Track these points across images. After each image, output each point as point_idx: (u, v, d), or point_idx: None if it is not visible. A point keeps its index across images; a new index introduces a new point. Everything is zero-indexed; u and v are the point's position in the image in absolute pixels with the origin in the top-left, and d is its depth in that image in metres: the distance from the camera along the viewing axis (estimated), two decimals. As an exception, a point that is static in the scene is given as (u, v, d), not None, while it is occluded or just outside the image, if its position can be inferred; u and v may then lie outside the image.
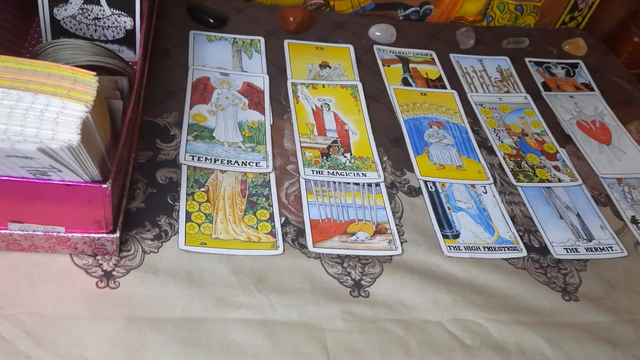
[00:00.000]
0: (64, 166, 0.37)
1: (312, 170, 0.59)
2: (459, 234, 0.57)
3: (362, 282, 0.51)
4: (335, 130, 0.64)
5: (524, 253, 0.57)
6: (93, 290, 0.45)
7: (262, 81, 0.67)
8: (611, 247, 0.59)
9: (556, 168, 0.67)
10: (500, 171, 0.65)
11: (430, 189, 0.61)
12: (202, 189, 0.55)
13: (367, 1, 0.82)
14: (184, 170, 0.56)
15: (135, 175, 0.54)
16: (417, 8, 0.84)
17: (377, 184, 0.59)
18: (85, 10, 0.57)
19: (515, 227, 0.59)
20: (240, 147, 0.59)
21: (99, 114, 0.40)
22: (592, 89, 0.80)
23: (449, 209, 0.59)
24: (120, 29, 0.59)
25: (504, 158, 0.67)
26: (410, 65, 0.76)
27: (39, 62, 0.38)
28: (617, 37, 0.89)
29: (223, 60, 0.69)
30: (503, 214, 0.60)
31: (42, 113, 0.36)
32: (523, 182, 0.64)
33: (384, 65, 0.75)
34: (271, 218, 0.54)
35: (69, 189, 0.40)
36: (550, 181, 0.65)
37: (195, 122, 0.60)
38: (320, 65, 0.72)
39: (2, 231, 0.43)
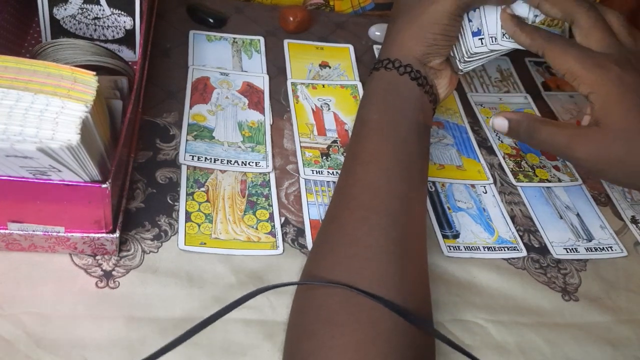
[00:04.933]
0: (63, 166, 0.37)
1: (312, 170, 0.59)
2: (459, 234, 0.57)
3: (362, 282, 0.51)
4: (335, 130, 0.64)
5: (524, 253, 0.57)
6: (93, 290, 0.45)
7: (262, 81, 0.67)
8: (611, 247, 0.59)
9: (556, 168, 0.67)
10: (500, 171, 0.65)
11: (430, 189, 0.61)
12: (202, 189, 0.55)
13: (367, 1, 0.82)
14: (184, 170, 0.56)
15: (135, 175, 0.54)
16: (417, 8, 0.85)
17: (377, 184, 0.59)
18: (84, 9, 0.57)
19: (515, 227, 0.59)
20: (240, 147, 0.59)
21: (99, 113, 0.40)
22: (592, 89, 0.80)
23: (449, 208, 0.59)
24: (120, 29, 0.59)
25: (504, 158, 0.67)
26: (410, 65, 0.76)
27: (39, 62, 0.38)
28: (617, 37, 0.89)
29: (223, 60, 0.69)
30: (503, 214, 0.60)
31: (42, 113, 0.36)
32: (523, 182, 0.64)
33: (383, 65, 0.75)
34: (271, 218, 0.54)
35: (68, 189, 0.40)
36: (550, 181, 0.65)
37: (195, 122, 0.60)
38: (320, 65, 0.72)
39: (1, 231, 0.43)
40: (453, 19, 0.50)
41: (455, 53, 0.55)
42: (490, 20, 0.52)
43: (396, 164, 0.47)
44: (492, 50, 0.53)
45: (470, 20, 0.53)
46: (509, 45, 0.52)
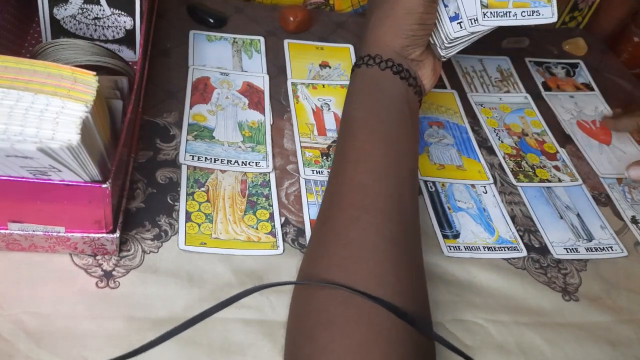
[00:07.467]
0: (63, 166, 0.37)
1: (312, 170, 0.59)
2: (459, 234, 0.57)
3: (362, 282, 0.51)
4: (335, 130, 0.64)
5: (524, 253, 0.57)
6: (93, 290, 0.45)
7: (262, 81, 0.67)
8: (611, 247, 0.59)
9: (556, 168, 0.67)
10: (500, 171, 0.65)
11: (430, 189, 0.61)
12: (202, 189, 0.55)
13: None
14: (184, 170, 0.56)
15: (135, 175, 0.54)
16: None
17: (377, 184, 0.59)
18: (85, 10, 0.57)
19: (515, 227, 0.59)
20: (240, 147, 0.59)
21: (99, 113, 0.40)
22: (592, 89, 0.80)
23: (449, 208, 0.59)
24: (120, 29, 0.59)
25: (504, 158, 0.67)
26: (410, 65, 0.76)
27: (39, 62, 0.38)
28: (617, 37, 0.89)
29: (223, 60, 0.69)
30: (503, 214, 0.60)
31: (42, 113, 0.36)
32: (523, 182, 0.64)
33: (384, 65, 0.75)
34: (271, 218, 0.54)
35: (68, 189, 0.40)
36: (550, 181, 0.65)
37: (195, 122, 0.60)
38: (320, 65, 0.72)
39: (2, 231, 0.43)
40: (428, 5, 0.49)
41: (435, 40, 0.53)
42: (468, 2, 0.50)
43: (385, 162, 0.46)
44: (472, 33, 0.51)
45: (446, 6, 0.51)
46: (491, 24, 0.50)
